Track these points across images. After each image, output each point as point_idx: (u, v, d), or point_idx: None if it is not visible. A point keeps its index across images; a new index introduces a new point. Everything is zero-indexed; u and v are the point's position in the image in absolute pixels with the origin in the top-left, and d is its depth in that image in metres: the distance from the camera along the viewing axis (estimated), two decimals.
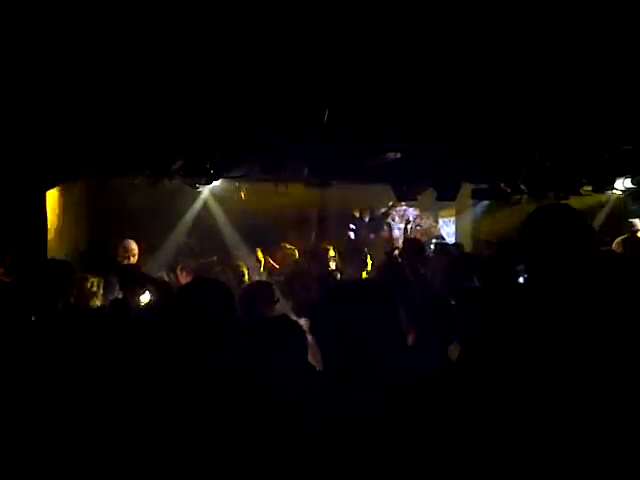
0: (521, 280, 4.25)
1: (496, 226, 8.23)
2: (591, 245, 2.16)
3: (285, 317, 2.63)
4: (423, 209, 10.47)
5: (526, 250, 2.20)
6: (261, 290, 4.17)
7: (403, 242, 7.42)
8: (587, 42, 4.19)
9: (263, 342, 2.31)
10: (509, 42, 4.24)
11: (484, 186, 7.48)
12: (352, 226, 9.55)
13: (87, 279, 4.61)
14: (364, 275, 6.39)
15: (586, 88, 4.81)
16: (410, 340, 3.06)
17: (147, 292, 4.88)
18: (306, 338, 2.36)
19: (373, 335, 1.79)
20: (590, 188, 7.14)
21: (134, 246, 6.39)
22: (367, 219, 9.88)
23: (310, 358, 2.43)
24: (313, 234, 9.48)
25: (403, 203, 9.84)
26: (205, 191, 7.69)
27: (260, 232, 7.88)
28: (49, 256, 5.94)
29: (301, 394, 1.83)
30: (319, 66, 4.51)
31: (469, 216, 9.67)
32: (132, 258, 6.31)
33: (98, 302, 4.56)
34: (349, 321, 1.80)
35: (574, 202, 6.60)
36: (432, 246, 7.96)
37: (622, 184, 7.19)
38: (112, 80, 4.61)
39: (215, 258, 7.22)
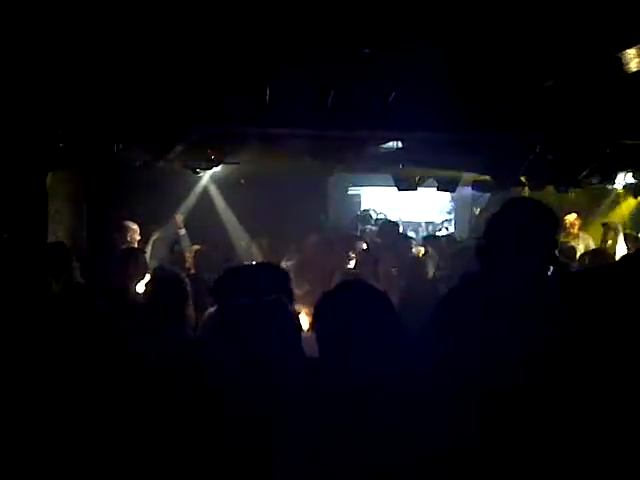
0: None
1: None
2: (552, 242, 2.19)
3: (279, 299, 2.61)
4: None
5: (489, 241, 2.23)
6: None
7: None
8: (589, 36, 4.17)
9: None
10: (512, 33, 4.22)
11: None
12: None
13: None
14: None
15: (589, 82, 4.78)
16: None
17: (146, 277, 4.87)
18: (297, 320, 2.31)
19: (371, 330, 1.82)
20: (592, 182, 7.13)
21: (135, 227, 6.29)
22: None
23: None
24: None
25: None
26: (205, 176, 7.66)
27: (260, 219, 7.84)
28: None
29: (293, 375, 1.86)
30: (323, 51, 4.48)
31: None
32: (134, 241, 6.23)
33: None
34: (349, 316, 1.85)
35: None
36: None
37: (624, 179, 7.20)
38: (114, 63, 4.58)
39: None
